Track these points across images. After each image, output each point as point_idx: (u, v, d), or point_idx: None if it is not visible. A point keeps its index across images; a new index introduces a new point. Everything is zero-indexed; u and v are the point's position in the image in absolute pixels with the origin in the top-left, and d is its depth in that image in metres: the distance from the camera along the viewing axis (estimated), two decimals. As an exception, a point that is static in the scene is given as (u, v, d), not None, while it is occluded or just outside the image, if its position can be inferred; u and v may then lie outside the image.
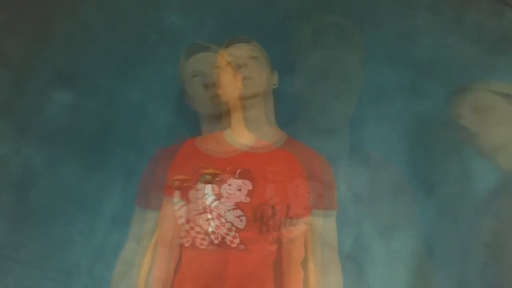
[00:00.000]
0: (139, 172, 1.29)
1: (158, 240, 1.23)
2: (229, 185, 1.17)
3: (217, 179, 1.18)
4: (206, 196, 1.16)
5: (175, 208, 1.18)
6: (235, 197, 1.16)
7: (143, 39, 1.46)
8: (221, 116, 1.28)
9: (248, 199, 1.15)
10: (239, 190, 1.16)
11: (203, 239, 1.15)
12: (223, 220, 1.14)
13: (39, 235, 1.34)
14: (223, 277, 1.13)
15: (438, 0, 1.44)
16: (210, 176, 1.18)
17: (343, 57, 1.41)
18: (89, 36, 1.47)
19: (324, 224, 1.22)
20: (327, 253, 1.22)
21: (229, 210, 1.15)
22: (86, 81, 1.44)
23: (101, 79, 1.44)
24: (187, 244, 1.17)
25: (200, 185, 1.18)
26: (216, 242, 1.14)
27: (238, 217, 1.14)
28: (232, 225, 1.14)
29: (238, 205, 1.15)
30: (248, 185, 1.16)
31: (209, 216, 1.15)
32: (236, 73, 1.23)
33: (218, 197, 1.16)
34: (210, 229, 1.15)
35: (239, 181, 1.17)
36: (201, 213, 1.16)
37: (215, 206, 1.16)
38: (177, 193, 1.19)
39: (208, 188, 1.17)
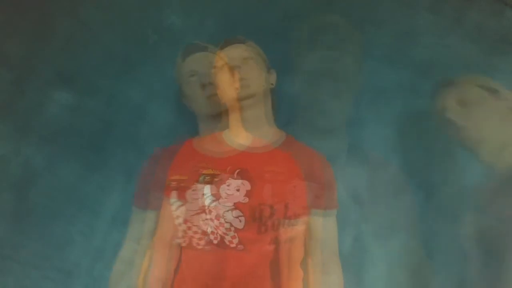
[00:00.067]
0: (139, 172, 1.29)
1: (158, 240, 1.23)
2: (228, 185, 1.17)
3: (216, 179, 1.18)
4: (205, 196, 1.17)
5: (172, 208, 1.18)
6: (233, 197, 1.16)
7: (143, 39, 1.46)
8: (218, 115, 1.28)
9: (247, 200, 1.15)
10: (238, 190, 1.16)
11: (200, 239, 1.15)
12: (222, 220, 1.14)
13: (39, 235, 1.34)
14: (222, 277, 1.13)
15: (438, 0, 1.44)
16: (209, 177, 1.18)
17: (342, 57, 1.41)
18: (89, 36, 1.47)
19: (324, 224, 1.22)
20: (327, 253, 1.22)
21: (228, 211, 1.15)
22: (86, 81, 1.44)
23: (101, 79, 1.44)
24: (183, 244, 1.17)
25: (197, 185, 1.18)
26: (215, 242, 1.14)
27: (237, 217, 1.14)
28: (231, 225, 1.14)
29: (236, 206, 1.15)
30: (246, 186, 1.16)
31: (208, 216, 1.15)
32: (233, 74, 1.24)
33: (217, 197, 1.16)
34: (209, 230, 1.15)
35: (238, 182, 1.17)
36: (199, 213, 1.16)
37: (214, 206, 1.16)
38: (174, 194, 1.19)
39: (207, 189, 1.17)
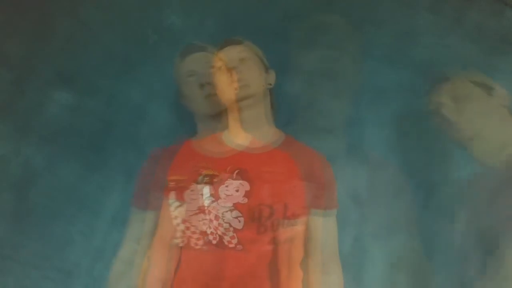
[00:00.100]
0: (138, 172, 1.29)
1: (158, 241, 1.23)
2: (227, 186, 1.17)
3: (215, 180, 1.18)
4: (204, 197, 1.17)
5: (171, 208, 1.18)
6: (232, 198, 1.16)
7: (143, 39, 1.46)
8: (217, 116, 1.28)
9: (246, 200, 1.15)
10: (237, 191, 1.16)
11: (198, 239, 1.15)
12: (221, 220, 1.14)
13: (39, 235, 1.34)
14: (221, 277, 1.13)
15: (438, 0, 1.44)
16: (208, 177, 1.18)
17: (342, 57, 1.41)
18: (89, 36, 1.47)
19: (324, 224, 1.22)
20: (327, 253, 1.22)
21: (227, 211, 1.15)
22: (86, 81, 1.45)
23: (101, 79, 1.44)
24: (181, 244, 1.17)
25: (195, 186, 1.18)
26: (214, 242, 1.14)
27: (236, 217, 1.14)
28: (230, 225, 1.14)
29: (235, 206, 1.15)
30: (245, 186, 1.16)
31: (207, 217, 1.15)
32: (231, 74, 1.24)
33: (216, 197, 1.16)
34: (208, 230, 1.15)
35: (237, 182, 1.17)
36: (197, 213, 1.16)
37: (213, 207, 1.16)
38: (172, 194, 1.19)
39: (206, 189, 1.17)
